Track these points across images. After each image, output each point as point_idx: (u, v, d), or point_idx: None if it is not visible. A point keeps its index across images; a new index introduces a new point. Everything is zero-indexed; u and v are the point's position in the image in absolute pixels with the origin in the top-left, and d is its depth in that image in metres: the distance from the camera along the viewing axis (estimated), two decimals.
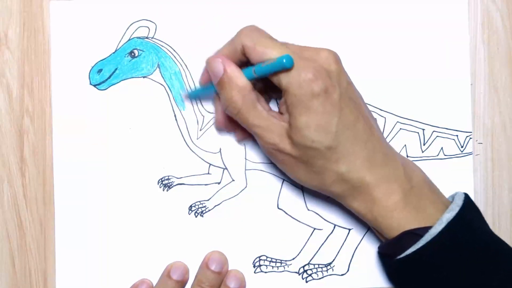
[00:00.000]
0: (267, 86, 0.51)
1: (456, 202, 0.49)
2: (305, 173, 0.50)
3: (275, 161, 0.52)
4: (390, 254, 0.49)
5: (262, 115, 0.49)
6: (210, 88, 0.53)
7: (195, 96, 0.56)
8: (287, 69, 0.47)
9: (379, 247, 0.52)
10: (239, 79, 0.49)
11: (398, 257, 0.48)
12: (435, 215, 0.48)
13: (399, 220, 0.48)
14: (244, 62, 0.51)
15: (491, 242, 0.49)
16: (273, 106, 0.56)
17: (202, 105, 0.56)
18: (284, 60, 0.46)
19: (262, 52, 0.48)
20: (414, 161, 0.55)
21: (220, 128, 0.56)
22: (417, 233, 0.47)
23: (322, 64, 0.48)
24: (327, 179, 0.49)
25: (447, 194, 0.54)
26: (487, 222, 0.50)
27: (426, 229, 0.47)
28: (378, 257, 0.55)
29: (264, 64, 0.48)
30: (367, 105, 0.56)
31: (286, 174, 0.52)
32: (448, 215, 0.47)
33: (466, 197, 0.50)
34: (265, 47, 0.48)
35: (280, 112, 0.50)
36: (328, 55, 0.49)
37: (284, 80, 0.47)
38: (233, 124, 0.53)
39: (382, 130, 0.56)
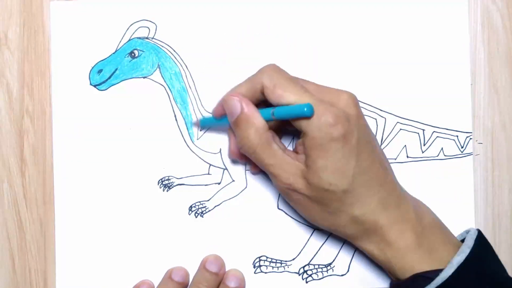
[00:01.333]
0: (282, 123, 0.51)
1: (467, 243, 0.48)
2: (318, 214, 0.50)
3: (289, 200, 0.52)
4: None
5: (277, 155, 0.49)
6: (224, 121, 0.53)
7: (208, 125, 0.56)
8: (307, 117, 0.47)
9: (390, 285, 0.52)
10: (256, 119, 0.49)
11: None
12: (447, 257, 0.48)
13: (412, 262, 0.48)
14: (261, 101, 0.50)
15: (503, 284, 0.48)
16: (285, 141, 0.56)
17: (202, 106, 0.56)
18: (305, 109, 0.46)
19: (280, 95, 0.48)
20: (414, 162, 0.55)
21: (233, 159, 0.56)
22: (428, 276, 0.47)
23: (342, 108, 0.48)
24: (341, 221, 0.49)
25: (447, 195, 0.54)
26: (497, 256, 0.50)
27: (437, 272, 0.47)
28: None
29: (284, 109, 0.48)
30: (368, 105, 0.56)
31: (299, 213, 0.53)
32: (459, 258, 0.47)
33: (478, 236, 0.49)
34: (284, 91, 0.48)
35: (296, 152, 0.50)
36: (348, 99, 0.49)
37: (303, 123, 0.47)
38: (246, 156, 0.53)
39: (382, 131, 0.56)
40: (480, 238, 0.49)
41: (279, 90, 0.48)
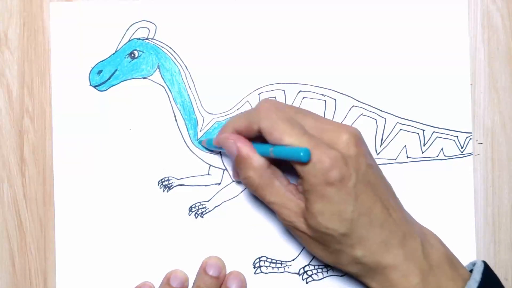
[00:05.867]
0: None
1: (475, 278, 0.48)
2: (321, 251, 0.50)
3: (293, 234, 0.51)
4: None
5: (280, 193, 0.49)
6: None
7: (211, 146, 0.56)
8: (304, 162, 0.46)
9: None
10: (254, 159, 0.49)
11: None
12: None
13: None
14: (260, 136, 0.49)
15: None
16: None
17: (202, 106, 0.56)
18: (302, 153, 0.45)
19: (279, 138, 0.47)
20: (414, 162, 0.55)
21: (236, 181, 0.57)
22: None
23: (340, 150, 0.46)
24: (343, 260, 0.49)
25: (447, 195, 0.54)
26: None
27: None
28: None
29: (282, 150, 0.47)
30: (368, 105, 0.56)
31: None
32: None
33: (485, 268, 0.49)
34: (282, 133, 0.47)
35: (297, 189, 0.50)
36: (349, 138, 0.47)
37: (300, 168, 0.47)
38: None
39: (382, 131, 0.56)
40: (487, 271, 0.49)
41: (277, 133, 0.47)
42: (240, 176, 0.51)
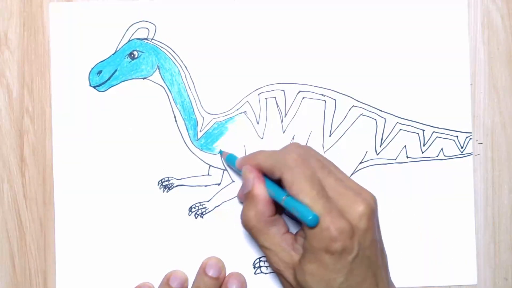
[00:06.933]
0: None
1: None
2: None
3: (279, 280, 0.51)
4: None
5: (273, 240, 0.49)
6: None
7: (230, 163, 0.56)
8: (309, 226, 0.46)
9: None
10: (261, 203, 0.49)
11: None
12: None
13: None
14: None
15: None
16: None
17: (202, 107, 0.56)
18: (310, 218, 0.45)
19: (295, 194, 0.47)
20: (414, 162, 0.56)
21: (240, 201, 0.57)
22: None
23: (351, 220, 0.46)
24: None
25: (447, 195, 0.54)
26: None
27: None
28: None
29: (293, 205, 0.47)
30: (368, 105, 0.56)
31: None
32: None
33: None
34: (300, 191, 0.47)
35: (296, 238, 0.50)
36: (364, 210, 0.46)
37: (305, 226, 0.46)
38: None
39: (382, 131, 0.56)
40: None
41: (295, 189, 0.47)
42: (243, 210, 0.51)
